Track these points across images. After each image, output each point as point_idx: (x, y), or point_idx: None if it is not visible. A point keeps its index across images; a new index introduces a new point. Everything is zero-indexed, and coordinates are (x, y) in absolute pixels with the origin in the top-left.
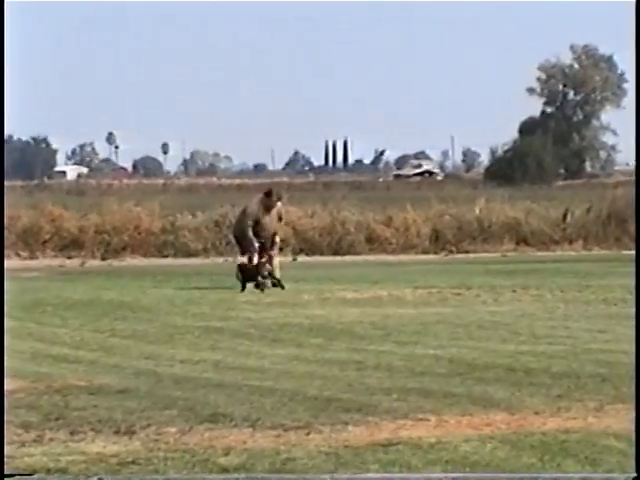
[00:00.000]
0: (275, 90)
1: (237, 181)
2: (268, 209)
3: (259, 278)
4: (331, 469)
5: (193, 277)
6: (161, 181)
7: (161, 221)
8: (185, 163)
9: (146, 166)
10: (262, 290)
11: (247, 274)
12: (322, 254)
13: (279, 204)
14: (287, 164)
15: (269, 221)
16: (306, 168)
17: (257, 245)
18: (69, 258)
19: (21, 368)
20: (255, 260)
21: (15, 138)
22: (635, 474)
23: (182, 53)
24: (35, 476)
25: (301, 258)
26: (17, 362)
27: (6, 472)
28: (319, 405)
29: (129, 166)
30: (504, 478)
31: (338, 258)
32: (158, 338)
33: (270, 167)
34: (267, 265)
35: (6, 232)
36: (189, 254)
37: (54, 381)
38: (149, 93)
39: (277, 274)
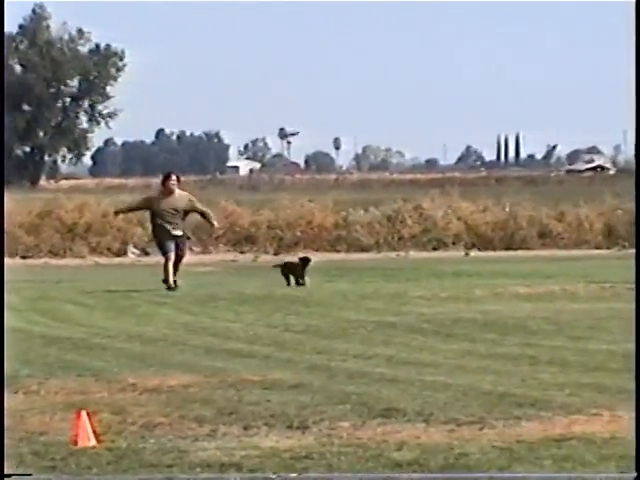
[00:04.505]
0: (446, 86)
1: (409, 176)
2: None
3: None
4: (504, 465)
5: (366, 272)
6: (333, 176)
7: (334, 216)
8: (357, 158)
9: (318, 161)
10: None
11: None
12: (494, 249)
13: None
14: (459, 159)
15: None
16: (478, 163)
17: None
18: (242, 253)
19: (195, 362)
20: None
21: (188, 133)
22: (635, 474)
23: (359, 50)
24: (35, 476)
25: (473, 253)
26: (191, 356)
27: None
28: (492, 400)
29: (301, 161)
30: (505, 478)
31: (510, 253)
32: (331, 333)
33: (442, 162)
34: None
35: None
36: (362, 249)
37: (228, 375)
38: (321, 88)
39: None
